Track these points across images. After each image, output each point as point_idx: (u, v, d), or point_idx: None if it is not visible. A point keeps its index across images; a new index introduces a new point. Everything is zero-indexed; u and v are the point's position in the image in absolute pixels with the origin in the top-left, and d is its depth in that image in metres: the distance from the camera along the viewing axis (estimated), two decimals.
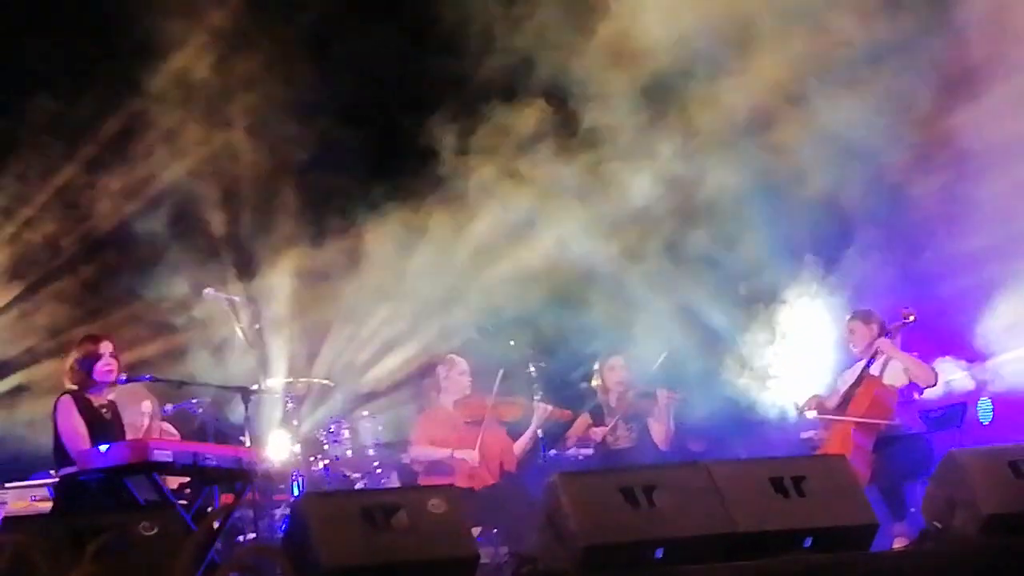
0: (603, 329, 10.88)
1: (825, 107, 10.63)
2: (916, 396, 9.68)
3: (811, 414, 9.93)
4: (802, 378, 10.66)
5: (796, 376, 10.77)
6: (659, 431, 10.28)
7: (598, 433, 10.32)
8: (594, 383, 10.55)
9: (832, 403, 9.78)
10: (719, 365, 10.86)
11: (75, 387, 8.54)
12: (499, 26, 10.92)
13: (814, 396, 9.97)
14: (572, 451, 10.49)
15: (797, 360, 10.84)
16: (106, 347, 8.61)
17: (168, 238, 11.20)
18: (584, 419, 10.54)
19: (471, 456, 9.63)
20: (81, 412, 8.41)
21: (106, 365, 8.55)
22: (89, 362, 8.54)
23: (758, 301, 11.02)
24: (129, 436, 8.54)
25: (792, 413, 10.27)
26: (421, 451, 9.86)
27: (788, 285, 10.96)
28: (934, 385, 9.62)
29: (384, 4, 11.79)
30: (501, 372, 9.88)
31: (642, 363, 10.53)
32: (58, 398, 8.49)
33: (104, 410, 8.56)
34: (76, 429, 8.35)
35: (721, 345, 10.93)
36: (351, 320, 11.20)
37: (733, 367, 10.85)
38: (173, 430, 9.13)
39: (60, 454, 8.42)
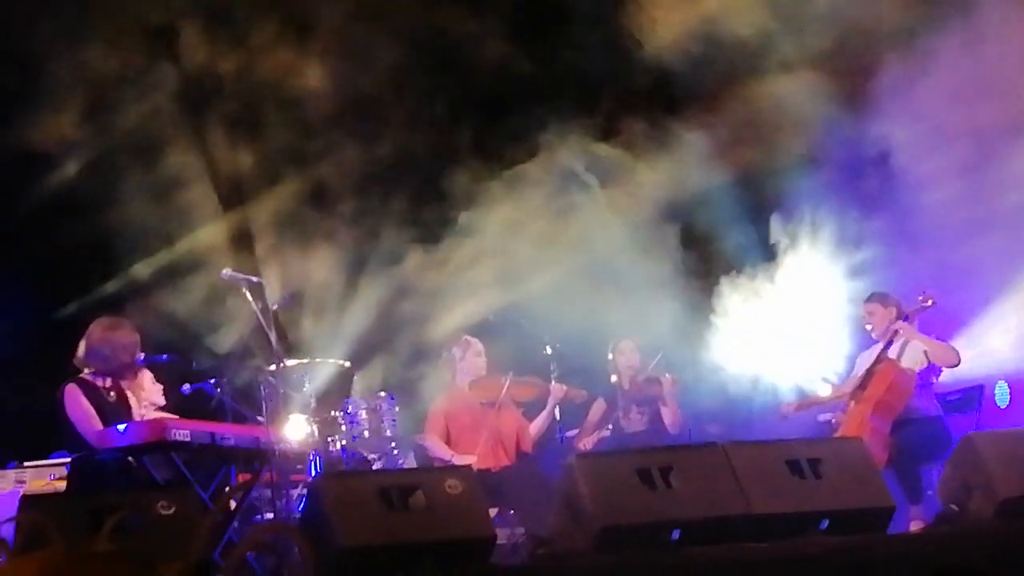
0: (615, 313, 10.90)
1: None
2: (934, 379, 9.66)
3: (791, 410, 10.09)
4: (804, 352, 10.74)
5: (797, 350, 10.84)
6: (668, 415, 10.29)
7: (589, 442, 10.32)
8: (608, 366, 10.54)
9: (844, 389, 9.82)
10: (714, 344, 10.88)
11: (86, 370, 8.51)
12: None
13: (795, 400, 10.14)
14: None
15: (798, 333, 10.89)
16: (136, 339, 8.57)
17: None
18: (599, 404, 10.54)
19: (470, 460, 9.62)
20: (87, 397, 8.38)
21: (131, 353, 8.54)
22: (117, 350, 8.52)
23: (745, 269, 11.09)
24: (142, 413, 8.57)
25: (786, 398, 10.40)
26: (428, 443, 9.90)
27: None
28: (957, 365, 9.59)
29: None
30: (510, 375, 9.89)
31: (644, 352, 10.54)
32: (63, 386, 8.41)
33: (110, 393, 8.52)
34: (87, 413, 8.30)
35: (713, 322, 10.97)
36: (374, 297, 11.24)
37: (727, 345, 10.88)
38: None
39: (73, 439, 8.38)
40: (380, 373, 10.98)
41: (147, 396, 8.78)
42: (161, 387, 8.86)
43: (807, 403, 10.21)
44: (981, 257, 10.32)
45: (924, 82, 10.44)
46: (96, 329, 8.57)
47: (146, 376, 8.77)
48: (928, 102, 10.41)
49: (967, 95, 10.31)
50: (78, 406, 8.33)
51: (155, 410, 8.73)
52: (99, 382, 8.51)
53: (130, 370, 8.56)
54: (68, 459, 8.82)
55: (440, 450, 9.80)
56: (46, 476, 9.43)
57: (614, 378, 10.44)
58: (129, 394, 8.60)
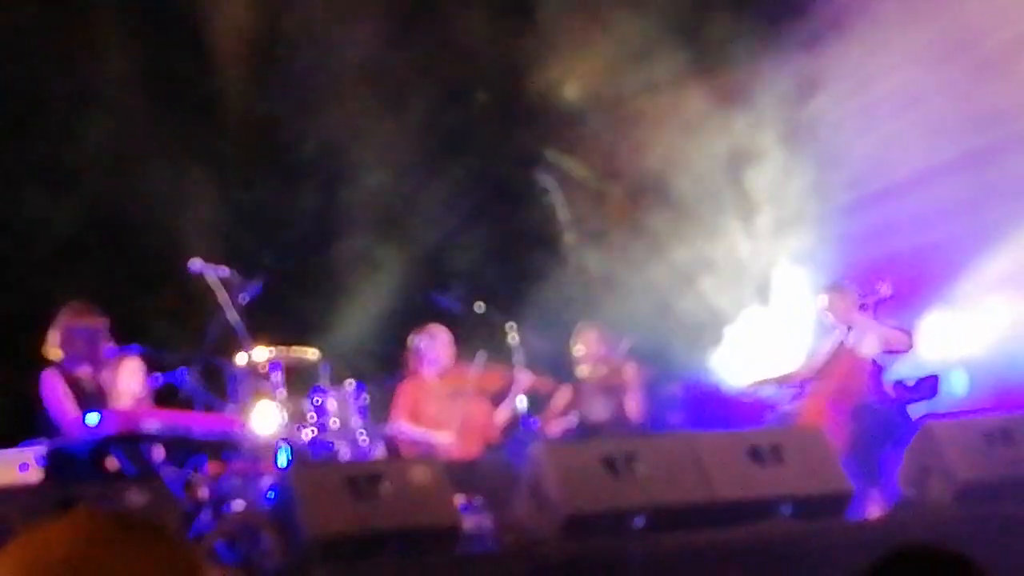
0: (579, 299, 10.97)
1: None
2: (892, 366, 9.77)
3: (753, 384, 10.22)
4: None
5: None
6: (631, 405, 10.34)
7: (555, 427, 10.38)
8: (575, 354, 10.59)
9: (802, 374, 9.95)
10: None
11: (60, 358, 8.53)
12: None
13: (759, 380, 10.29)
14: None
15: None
16: (104, 323, 8.60)
17: None
18: (565, 391, 10.57)
19: (447, 439, 9.66)
20: (66, 384, 8.39)
21: (105, 342, 8.56)
22: (86, 334, 8.54)
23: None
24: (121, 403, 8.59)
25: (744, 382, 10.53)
26: (401, 427, 9.93)
27: None
28: (911, 349, 9.69)
29: None
30: (476, 364, 9.93)
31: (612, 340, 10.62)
32: (43, 371, 8.44)
33: (89, 381, 8.52)
34: (63, 401, 8.31)
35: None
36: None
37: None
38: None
39: (47, 427, 8.39)
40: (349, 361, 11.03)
41: (127, 384, 8.79)
42: (143, 376, 8.88)
43: (766, 382, 10.30)
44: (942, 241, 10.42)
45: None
46: (64, 315, 8.58)
47: (129, 364, 8.77)
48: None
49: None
50: (54, 393, 8.35)
51: (133, 399, 8.73)
52: (78, 370, 8.52)
53: (99, 356, 8.57)
54: (36, 448, 8.82)
55: (415, 431, 9.82)
56: (14, 467, 9.41)
57: (579, 367, 10.49)
58: (107, 383, 8.61)
